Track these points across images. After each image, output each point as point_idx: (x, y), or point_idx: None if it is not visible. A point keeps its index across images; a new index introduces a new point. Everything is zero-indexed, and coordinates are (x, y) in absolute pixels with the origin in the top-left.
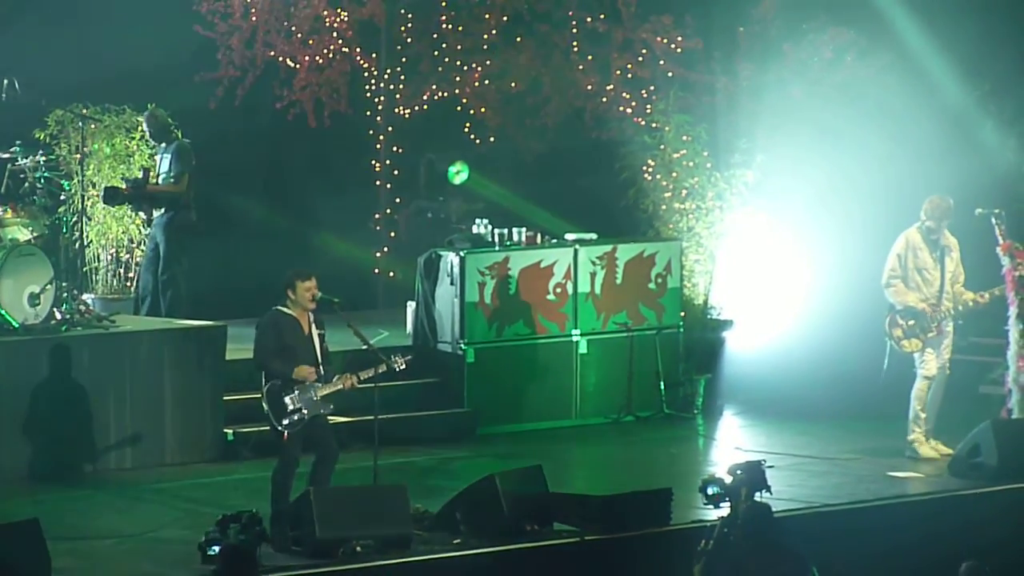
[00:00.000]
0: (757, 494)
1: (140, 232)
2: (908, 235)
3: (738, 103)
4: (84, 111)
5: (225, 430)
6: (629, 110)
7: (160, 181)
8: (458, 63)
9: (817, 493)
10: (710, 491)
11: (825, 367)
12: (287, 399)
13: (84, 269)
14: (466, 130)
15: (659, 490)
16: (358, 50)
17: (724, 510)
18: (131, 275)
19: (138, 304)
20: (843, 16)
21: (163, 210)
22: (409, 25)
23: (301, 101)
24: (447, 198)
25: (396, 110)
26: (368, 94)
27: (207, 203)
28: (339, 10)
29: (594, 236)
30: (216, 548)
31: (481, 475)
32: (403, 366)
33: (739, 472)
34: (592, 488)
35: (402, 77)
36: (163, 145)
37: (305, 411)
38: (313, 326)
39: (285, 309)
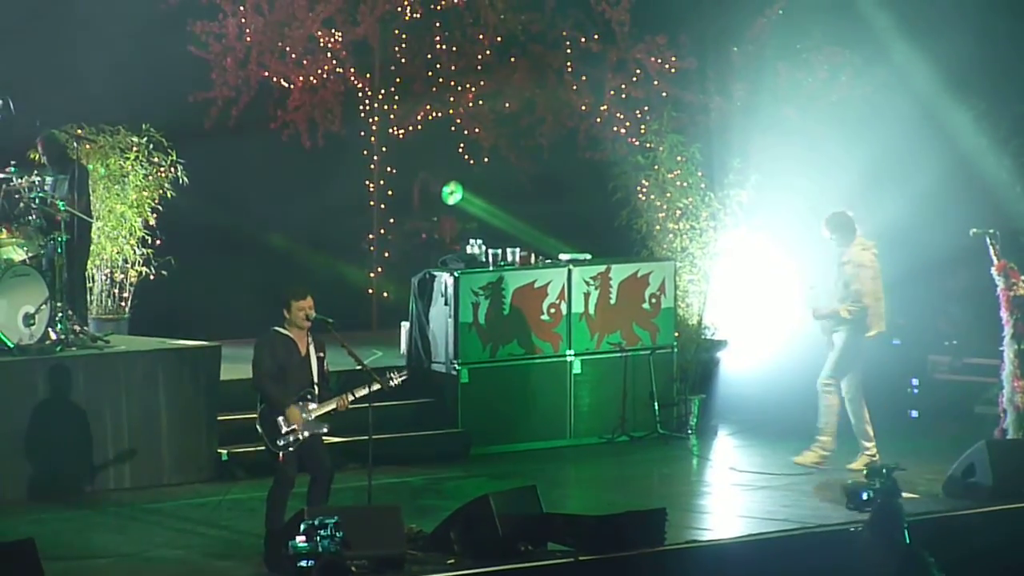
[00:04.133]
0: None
1: (135, 252)
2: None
3: (732, 123)
4: (79, 132)
5: (220, 450)
6: (623, 130)
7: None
8: (452, 83)
9: (813, 513)
10: (864, 495)
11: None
12: (282, 419)
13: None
14: (460, 150)
15: (654, 510)
16: (352, 70)
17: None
18: (125, 295)
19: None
20: (837, 36)
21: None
22: (403, 45)
23: (295, 121)
24: (441, 218)
25: (390, 130)
26: (362, 114)
27: (200, 223)
28: (333, 30)
29: (588, 256)
30: (309, 562)
31: (475, 495)
32: (398, 381)
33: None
34: (586, 508)
35: (396, 97)
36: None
37: (300, 431)
38: (312, 347)
39: (282, 329)
